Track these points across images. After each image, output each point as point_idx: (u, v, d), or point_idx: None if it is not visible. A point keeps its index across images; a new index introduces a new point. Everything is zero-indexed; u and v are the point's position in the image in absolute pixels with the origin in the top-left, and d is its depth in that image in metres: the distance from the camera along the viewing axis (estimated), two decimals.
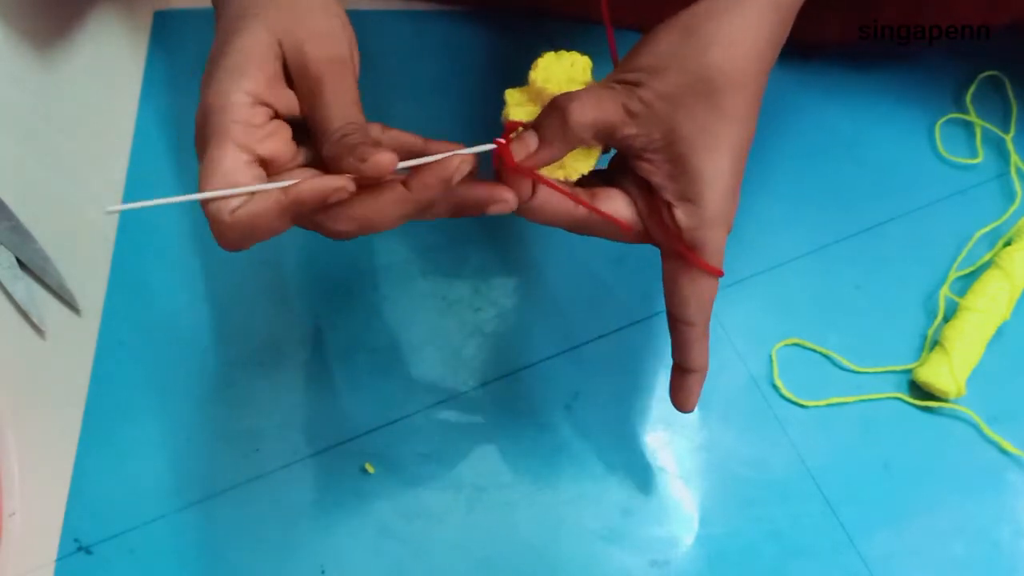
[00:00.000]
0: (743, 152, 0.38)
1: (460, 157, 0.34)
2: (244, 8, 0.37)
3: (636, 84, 0.37)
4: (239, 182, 0.34)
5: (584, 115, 0.36)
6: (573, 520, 0.48)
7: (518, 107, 0.38)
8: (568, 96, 0.36)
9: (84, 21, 0.62)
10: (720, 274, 0.39)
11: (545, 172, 0.38)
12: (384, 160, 0.33)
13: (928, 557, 0.47)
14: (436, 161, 0.34)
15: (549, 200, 0.38)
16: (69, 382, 0.51)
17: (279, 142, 0.36)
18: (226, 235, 0.34)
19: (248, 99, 0.35)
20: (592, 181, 0.40)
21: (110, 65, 0.61)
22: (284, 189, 0.33)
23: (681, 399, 0.43)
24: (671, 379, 0.43)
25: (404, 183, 0.34)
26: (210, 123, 0.34)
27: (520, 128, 0.37)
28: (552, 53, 0.39)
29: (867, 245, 0.56)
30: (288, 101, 0.37)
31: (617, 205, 0.39)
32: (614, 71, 0.39)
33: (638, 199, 0.39)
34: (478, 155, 0.36)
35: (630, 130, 0.37)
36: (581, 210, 0.38)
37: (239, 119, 0.34)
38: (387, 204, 0.34)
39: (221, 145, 0.34)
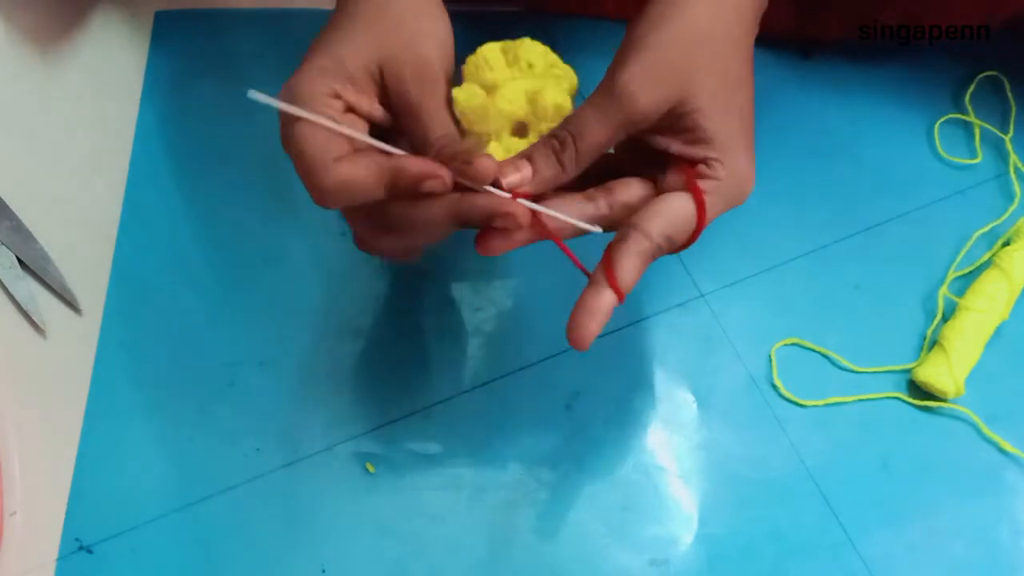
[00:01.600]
0: (750, 116, 0.39)
1: (518, 208, 0.36)
2: (358, 14, 0.38)
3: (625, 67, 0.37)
4: (333, 146, 0.35)
5: (573, 157, 0.37)
6: (573, 520, 0.48)
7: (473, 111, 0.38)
8: (558, 137, 0.37)
9: (85, 21, 0.62)
10: (702, 220, 0.38)
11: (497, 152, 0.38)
12: (488, 164, 0.35)
13: (927, 556, 0.48)
14: (501, 195, 0.36)
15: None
16: (69, 382, 0.51)
17: (358, 127, 0.37)
18: (327, 184, 0.34)
19: (331, 91, 0.36)
20: (602, 171, 0.39)
21: (111, 65, 0.61)
22: (388, 156, 0.35)
23: (582, 325, 0.37)
24: (580, 299, 0.37)
25: (461, 192, 0.36)
26: (296, 102, 0.35)
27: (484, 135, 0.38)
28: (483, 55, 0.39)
29: (867, 245, 0.56)
30: (368, 107, 0.38)
31: (634, 191, 0.39)
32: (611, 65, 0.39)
33: (653, 169, 0.39)
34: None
35: (632, 131, 0.37)
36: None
37: (321, 104, 0.35)
38: (435, 207, 0.35)
39: (313, 102, 0.35)
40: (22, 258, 0.53)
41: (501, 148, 0.39)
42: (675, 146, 0.38)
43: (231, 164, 0.58)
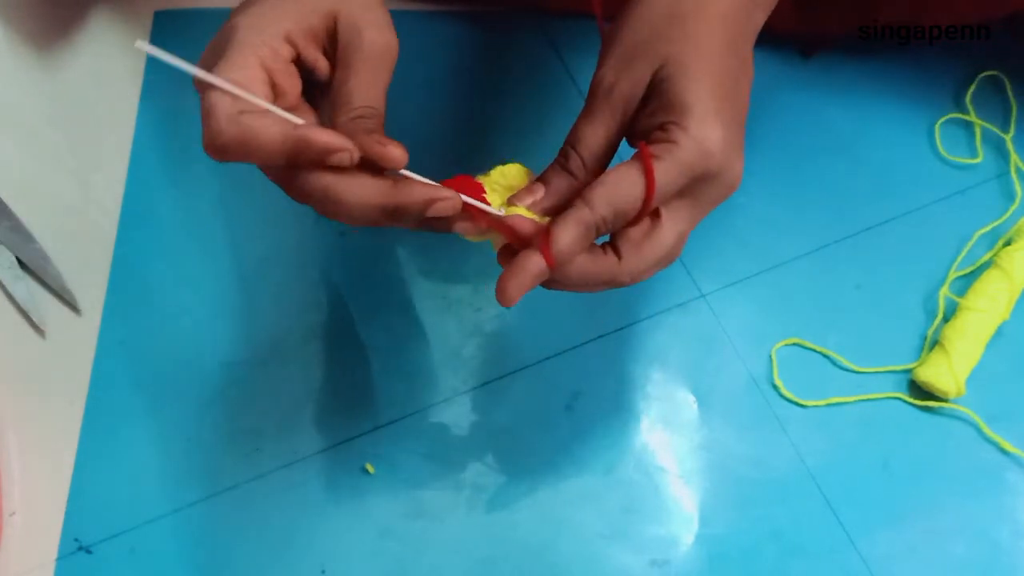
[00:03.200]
0: (735, 90, 0.36)
1: (451, 196, 0.35)
2: None
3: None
4: (252, 91, 0.33)
5: (578, 163, 0.37)
6: (573, 520, 0.48)
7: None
8: (563, 150, 0.37)
9: (84, 21, 0.62)
10: (652, 188, 0.34)
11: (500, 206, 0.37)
12: (398, 154, 0.33)
13: (928, 556, 0.47)
14: (429, 185, 0.34)
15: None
16: (69, 382, 0.51)
17: (292, 84, 0.36)
18: (221, 134, 0.33)
19: (282, 32, 0.35)
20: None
21: (110, 65, 0.61)
22: (295, 123, 0.33)
23: (509, 288, 0.35)
24: (513, 261, 0.35)
25: (393, 180, 0.35)
26: (237, 36, 0.34)
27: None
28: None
29: (867, 245, 0.56)
30: (314, 56, 0.37)
31: (632, 175, 0.35)
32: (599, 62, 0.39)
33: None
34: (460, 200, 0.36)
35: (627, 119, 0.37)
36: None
37: (268, 43, 0.34)
38: (365, 190, 0.34)
39: (244, 53, 0.34)
40: (21, 258, 0.53)
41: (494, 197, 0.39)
42: (643, 122, 0.36)
43: (230, 164, 0.57)
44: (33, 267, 0.53)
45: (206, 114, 0.33)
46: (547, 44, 0.62)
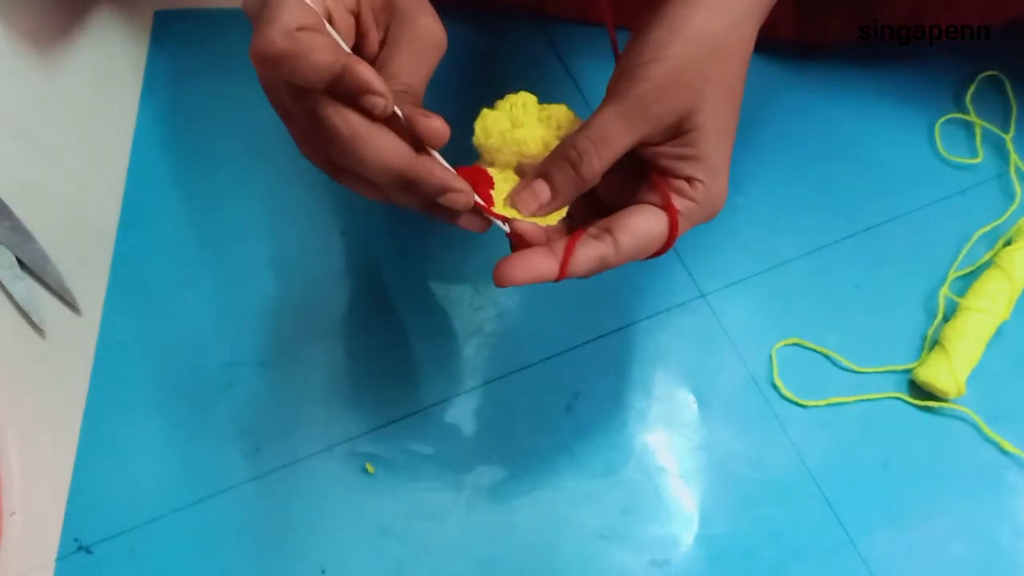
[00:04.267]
0: (735, 130, 0.38)
1: (466, 190, 0.35)
2: None
3: (642, 77, 0.36)
4: (301, 15, 0.32)
5: (595, 166, 0.36)
6: (573, 520, 0.48)
7: (491, 144, 0.38)
8: (577, 148, 0.36)
9: (84, 21, 0.62)
10: (673, 238, 0.38)
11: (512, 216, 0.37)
12: (440, 127, 0.33)
13: (928, 557, 0.47)
14: (449, 171, 0.35)
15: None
16: (69, 382, 0.51)
17: (350, 32, 0.36)
18: (274, 44, 0.31)
19: None
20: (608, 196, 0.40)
21: (110, 65, 0.61)
22: (344, 52, 0.32)
23: (512, 269, 0.36)
24: (529, 250, 0.37)
25: (417, 150, 0.34)
26: None
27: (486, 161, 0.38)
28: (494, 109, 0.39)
29: (867, 245, 0.56)
30: (368, 26, 0.36)
31: (658, 228, 0.38)
32: (616, 69, 0.38)
33: (636, 185, 0.39)
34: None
35: (647, 140, 0.37)
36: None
37: None
38: (387, 151, 0.33)
39: None
40: (21, 258, 0.53)
41: (502, 179, 0.39)
42: (665, 160, 0.37)
43: (230, 163, 0.58)
44: (33, 267, 0.53)
45: (263, 22, 0.32)
46: (547, 44, 0.62)
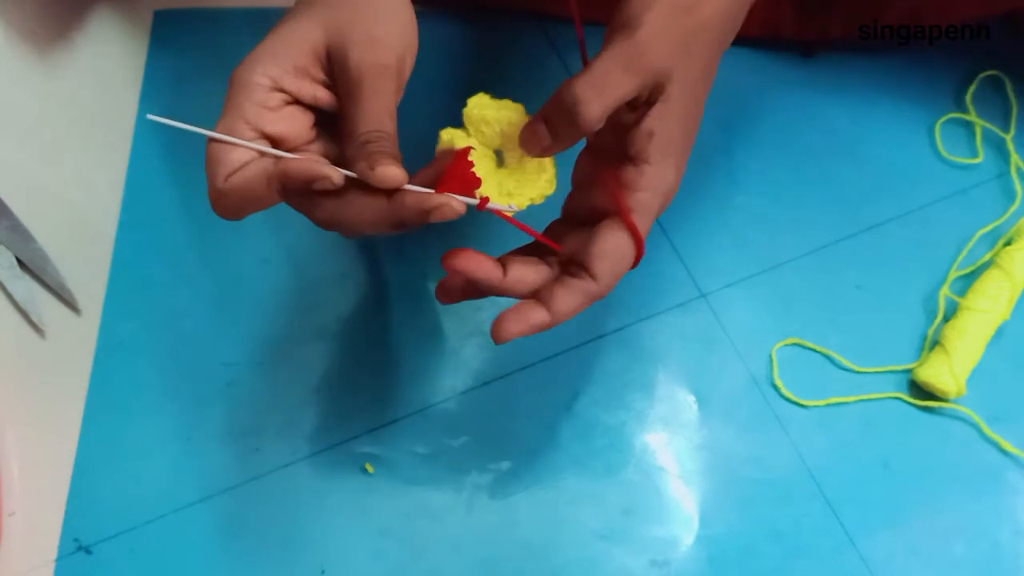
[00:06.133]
0: (698, 121, 0.39)
1: (448, 200, 0.35)
2: None
3: (632, 34, 0.36)
4: (233, 156, 0.35)
5: (595, 111, 0.35)
6: (573, 520, 0.48)
7: (460, 139, 0.38)
8: (576, 90, 0.35)
9: (84, 21, 0.62)
10: (641, 246, 0.38)
11: (492, 198, 0.37)
12: (391, 174, 0.34)
13: (928, 557, 0.47)
14: (423, 192, 0.35)
15: None
16: (68, 382, 0.51)
17: (292, 125, 0.37)
18: (220, 200, 0.36)
19: (268, 82, 0.36)
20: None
21: (110, 65, 0.61)
22: (274, 161, 0.35)
23: (508, 323, 0.38)
24: (520, 304, 0.38)
25: (388, 196, 0.35)
26: (229, 96, 0.36)
27: (471, 150, 0.37)
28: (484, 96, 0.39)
29: (867, 245, 0.56)
30: (313, 92, 0.37)
31: (624, 244, 0.38)
32: (608, 29, 0.38)
33: (586, 165, 0.40)
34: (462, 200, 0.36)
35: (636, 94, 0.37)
36: None
37: (254, 100, 0.36)
38: (365, 209, 0.35)
39: (231, 117, 0.36)
40: (21, 258, 0.53)
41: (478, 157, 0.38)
42: (623, 127, 0.37)
43: None
44: (33, 267, 0.53)
45: (208, 188, 0.36)
46: (547, 44, 0.62)
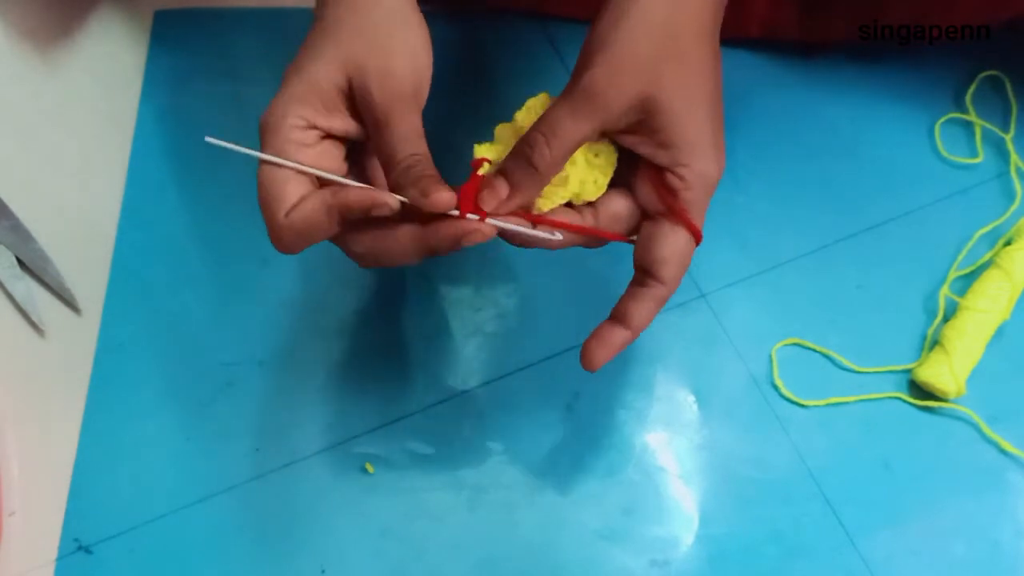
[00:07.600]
0: (719, 104, 0.38)
1: (480, 226, 0.36)
2: (330, 28, 0.38)
3: (591, 67, 0.36)
4: (289, 191, 0.36)
5: (547, 157, 0.36)
6: (573, 520, 0.48)
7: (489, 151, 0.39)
8: (527, 140, 0.37)
9: (85, 21, 0.62)
10: (699, 238, 0.39)
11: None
12: (444, 199, 0.35)
13: (928, 557, 0.47)
14: (458, 219, 0.36)
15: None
16: (69, 382, 0.51)
17: (328, 159, 0.38)
18: (282, 237, 0.36)
19: (302, 122, 0.37)
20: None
21: (111, 64, 0.61)
22: (333, 192, 0.35)
23: (594, 352, 0.39)
24: (599, 328, 0.40)
25: (425, 223, 0.36)
26: (266, 140, 0.37)
27: (486, 163, 0.38)
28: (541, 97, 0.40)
29: (867, 245, 0.56)
30: (343, 125, 0.38)
31: (616, 206, 0.40)
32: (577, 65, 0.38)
33: (627, 173, 0.40)
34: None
35: (606, 128, 0.37)
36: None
37: (291, 139, 0.37)
38: (402, 237, 0.36)
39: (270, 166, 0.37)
40: (21, 258, 0.53)
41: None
42: (643, 148, 0.38)
43: (230, 163, 0.57)
44: (33, 267, 0.53)
45: (267, 226, 0.36)
46: (547, 44, 0.62)
